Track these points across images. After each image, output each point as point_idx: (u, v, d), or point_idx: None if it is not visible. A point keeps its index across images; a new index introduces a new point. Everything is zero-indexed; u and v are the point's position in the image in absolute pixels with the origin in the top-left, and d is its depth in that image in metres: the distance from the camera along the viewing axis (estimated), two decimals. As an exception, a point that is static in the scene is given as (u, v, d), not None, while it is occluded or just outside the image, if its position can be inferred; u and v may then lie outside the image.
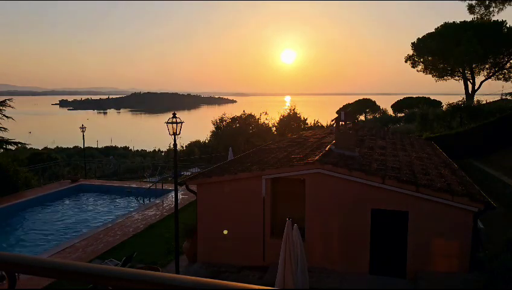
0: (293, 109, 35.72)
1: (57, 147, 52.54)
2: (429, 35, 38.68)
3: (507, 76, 38.41)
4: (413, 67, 41.90)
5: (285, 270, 7.39)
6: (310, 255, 9.59)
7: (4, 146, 23.38)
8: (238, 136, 30.31)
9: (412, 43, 40.96)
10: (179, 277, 1.04)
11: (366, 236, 10.39)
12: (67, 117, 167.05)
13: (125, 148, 55.64)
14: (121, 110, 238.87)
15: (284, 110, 36.14)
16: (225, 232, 11.48)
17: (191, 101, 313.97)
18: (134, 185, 22.63)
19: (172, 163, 12.69)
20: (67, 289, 10.04)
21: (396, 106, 51.36)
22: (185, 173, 24.50)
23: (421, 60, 40.92)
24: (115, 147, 54.93)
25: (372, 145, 14.65)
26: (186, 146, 38.60)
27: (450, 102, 28.04)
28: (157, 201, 19.18)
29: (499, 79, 38.88)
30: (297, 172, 10.83)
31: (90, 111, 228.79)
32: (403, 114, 47.44)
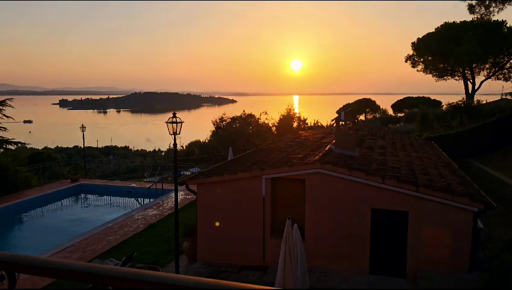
0: (293, 109, 35.70)
1: (57, 146, 52.58)
2: (429, 35, 38.65)
3: (507, 76, 38.38)
4: (413, 67, 41.89)
5: (285, 270, 7.39)
6: (310, 255, 9.60)
7: (4, 146, 23.37)
8: (238, 136, 30.29)
9: (412, 43, 40.95)
10: (179, 276, 1.04)
11: (366, 236, 10.40)
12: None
13: (125, 148, 55.71)
14: (121, 110, 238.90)
15: (284, 110, 36.06)
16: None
17: (191, 101, 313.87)
18: (134, 185, 22.64)
19: (172, 163, 12.69)
20: (67, 289, 10.05)
21: (396, 106, 51.30)
22: (185, 172, 24.53)
23: (421, 60, 40.89)
24: (115, 147, 54.98)
25: (372, 145, 14.64)
26: (186, 146, 38.65)
27: (450, 102, 28.03)
28: (158, 201, 19.18)
29: (499, 79, 38.86)
30: (297, 172, 10.83)
31: (90, 111, 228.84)
32: (403, 114, 47.37)
